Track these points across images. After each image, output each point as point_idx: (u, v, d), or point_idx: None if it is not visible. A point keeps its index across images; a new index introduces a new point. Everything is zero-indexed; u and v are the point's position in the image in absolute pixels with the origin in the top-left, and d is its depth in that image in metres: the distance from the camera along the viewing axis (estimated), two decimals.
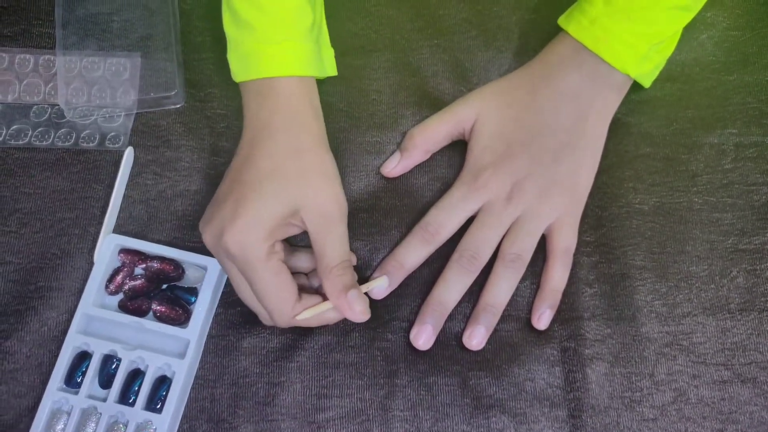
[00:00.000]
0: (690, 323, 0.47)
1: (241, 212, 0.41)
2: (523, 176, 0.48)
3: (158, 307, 0.47)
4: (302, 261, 0.47)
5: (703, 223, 0.50)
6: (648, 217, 0.50)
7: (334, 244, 0.43)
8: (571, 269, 0.48)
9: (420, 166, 0.52)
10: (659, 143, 0.52)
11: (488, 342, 0.47)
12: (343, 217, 0.44)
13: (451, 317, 0.48)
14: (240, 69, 0.46)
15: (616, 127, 0.52)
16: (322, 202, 0.43)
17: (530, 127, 0.49)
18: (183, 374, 0.45)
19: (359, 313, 0.43)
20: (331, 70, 0.52)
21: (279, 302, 0.42)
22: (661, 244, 0.49)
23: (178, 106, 0.53)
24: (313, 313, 0.43)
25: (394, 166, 0.51)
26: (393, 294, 0.48)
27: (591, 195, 0.50)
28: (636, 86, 0.51)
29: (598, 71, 0.48)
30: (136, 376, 0.45)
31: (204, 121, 0.52)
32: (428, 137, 0.51)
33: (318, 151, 0.44)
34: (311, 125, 0.45)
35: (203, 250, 0.48)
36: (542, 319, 0.47)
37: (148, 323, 0.46)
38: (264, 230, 0.41)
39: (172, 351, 0.46)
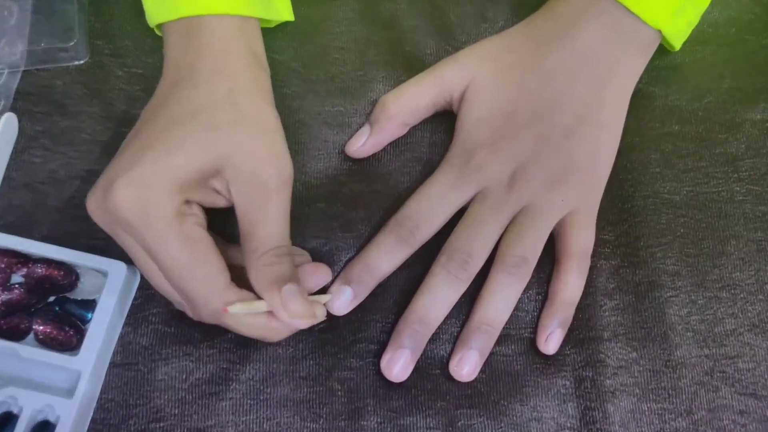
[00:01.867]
0: (735, 344, 0.38)
1: (138, 161, 0.30)
2: (528, 158, 0.38)
3: (41, 327, 0.35)
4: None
5: (747, 218, 0.40)
6: (680, 210, 0.40)
7: (267, 221, 0.32)
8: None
9: (395, 144, 0.41)
10: (690, 120, 0.42)
11: (482, 371, 0.37)
12: (284, 186, 0.33)
13: (434, 338, 0.37)
14: (157, 8, 0.36)
15: (636, 98, 0.42)
16: (254, 160, 0.32)
17: (537, 97, 0.39)
18: (71, 419, 0.33)
19: (297, 314, 0.31)
20: (285, 12, 0.41)
21: (199, 282, 0.31)
22: (696, 243, 0.40)
23: (80, 62, 0.41)
24: (247, 309, 0.31)
25: (362, 143, 0.40)
26: (359, 308, 0.37)
27: (609, 182, 0.40)
28: (660, 50, 0.42)
29: (622, 26, 0.38)
30: (5, 422, 0.33)
31: (114, 82, 0.41)
32: (406, 106, 0.40)
33: (255, 98, 0.34)
34: (249, 71, 0.35)
35: (106, 251, 0.36)
36: (551, 341, 0.37)
37: (26, 349, 0.34)
38: (170, 183, 0.30)
39: (58, 387, 0.35)
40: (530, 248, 0.37)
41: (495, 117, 0.39)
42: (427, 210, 0.38)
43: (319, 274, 0.36)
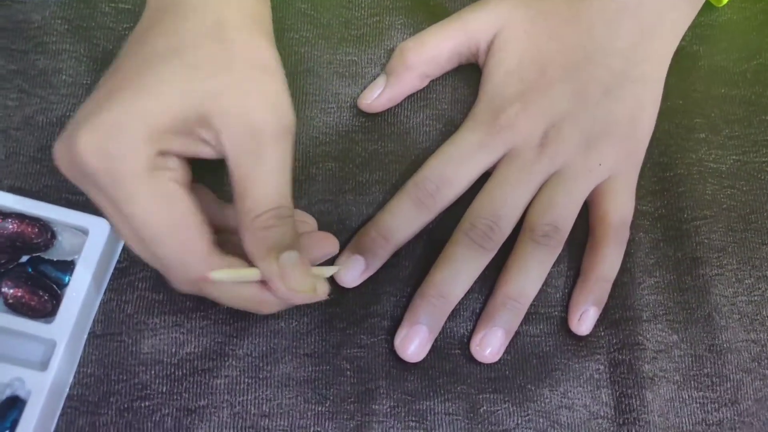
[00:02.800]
0: None
1: (107, 104, 0.26)
2: (563, 116, 0.34)
3: (11, 290, 0.31)
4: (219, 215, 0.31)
5: None
6: (726, 180, 0.37)
7: (263, 176, 0.27)
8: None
9: (413, 100, 0.37)
10: (738, 82, 0.39)
11: (507, 352, 0.33)
12: (283, 135, 0.27)
13: (454, 315, 0.33)
14: None
15: (679, 58, 0.38)
16: (247, 105, 0.27)
17: (574, 49, 0.35)
18: (44, 394, 0.29)
19: (295, 286, 0.27)
20: None
21: (174, 247, 0.26)
22: (743, 217, 0.36)
23: None
24: (234, 276, 0.27)
25: (377, 96, 0.36)
26: (371, 279, 0.33)
27: (650, 148, 0.37)
28: (706, 6, 0.38)
29: None
30: None
31: (99, 19, 0.36)
32: (426, 55, 0.36)
33: (248, 32, 0.29)
34: (245, 1, 0.29)
35: (88, 207, 0.32)
36: (585, 321, 0.33)
37: None
38: (141, 130, 0.25)
39: (29, 359, 0.31)
40: (562, 216, 0.33)
41: (526, 69, 0.35)
42: (449, 171, 0.34)
43: (325, 245, 0.31)
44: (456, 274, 0.33)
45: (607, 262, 0.34)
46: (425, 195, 0.33)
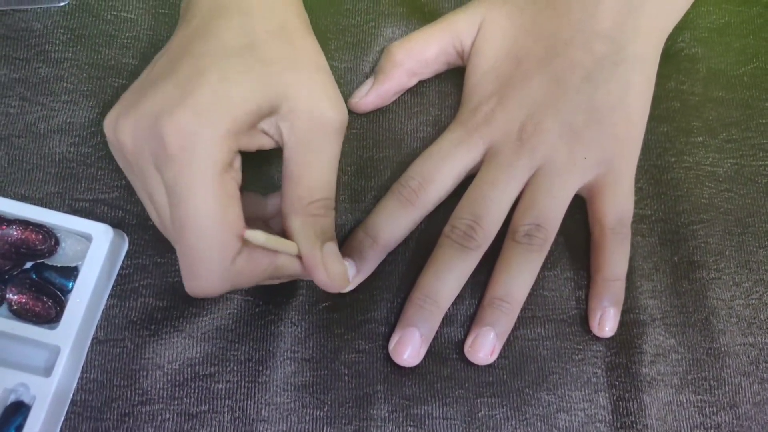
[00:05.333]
0: None
1: (194, 90, 0.26)
2: (540, 106, 0.33)
3: (16, 297, 0.31)
4: (262, 205, 0.32)
5: None
6: (723, 183, 0.37)
7: (320, 166, 0.29)
8: None
9: (408, 107, 0.37)
10: (735, 85, 0.39)
11: (504, 356, 0.33)
12: (342, 130, 0.29)
13: (450, 320, 0.34)
14: None
15: (677, 60, 0.38)
16: (314, 100, 0.28)
17: (549, 37, 0.34)
18: (48, 400, 0.29)
19: (337, 276, 0.29)
20: None
21: (213, 244, 0.26)
22: (741, 221, 0.36)
23: (63, 3, 0.37)
24: (268, 242, 0.27)
25: (365, 93, 0.36)
26: (369, 286, 0.34)
27: (647, 150, 0.36)
28: (704, 11, 0.38)
29: None
30: None
31: (102, 27, 0.36)
32: (413, 53, 0.36)
33: (307, 36, 0.31)
34: (296, 6, 0.31)
35: (92, 216, 0.33)
36: (605, 322, 0.33)
37: None
38: (228, 119, 0.26)
39: (33, 364, 0.31)
40: (545, 215, 0.33)
41: (502, 65, 0.35)
42: (431, 168, 0.34)
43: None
44: (441, 276, 0.32)
45: (610, 263, 0.33)
46: (409, 192, 0.33)
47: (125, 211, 0.34)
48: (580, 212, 0.35)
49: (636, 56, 0.34)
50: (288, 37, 0.29)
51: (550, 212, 0.33)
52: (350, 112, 0.36)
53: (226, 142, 0.26)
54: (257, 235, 0.26)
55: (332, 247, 0.29)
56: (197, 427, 0.31)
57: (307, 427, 0.31)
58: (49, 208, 0.32)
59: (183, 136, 0.25)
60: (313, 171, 0.28)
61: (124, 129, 0.27)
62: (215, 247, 0.26)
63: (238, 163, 0.27)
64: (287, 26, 0.30)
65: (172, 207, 0.26)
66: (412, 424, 0.32)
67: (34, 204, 0.32)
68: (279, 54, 0.28)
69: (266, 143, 0.29)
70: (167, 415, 0.31)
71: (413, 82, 0.37)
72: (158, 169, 0.26)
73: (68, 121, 0.35)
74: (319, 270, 0.28)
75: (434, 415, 0.32)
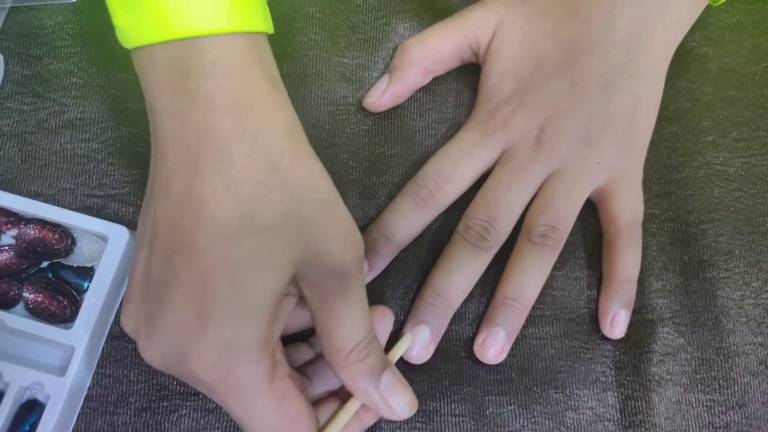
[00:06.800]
0: None
1: (210, 315, 0.24)
2: (558, 112, 0.34)
3: (32, 296, 0.31)
4: (296, 319, 0.30)
5: None
6: (733, 183, 0.36)
7: (349, 315, 0.27)
8: None
9: (419, 103, 0.37)
10: (746, 84, 0.38)
11: (512, 354, 0.33)
12: (361, 266, 0.27)
13: (460, 318, 0.34)
14: (135, 24, 0.26)
15: (688, 60, 0.38)
16: (325, 250, 0.26)
17: (570, 42, 0.34)
18: (62, 399, 0.30)
19: (402, 408, 0.28)
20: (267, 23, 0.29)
21: None
22: (751, 221, 0.36)
23: (73, 0, 0.36)
24: (340, 423, 0.28)
25: (381, 93, 0.36)
26: (379, 283, 0.34)
27: (657, 150, 0.36)
28: (715, 10, 0.38)
29: None
30: None
31: (111, 22, 0.36)
32: (428, 51, 0.36)
33: (301, 162, 0.26)
34: (282, 118, 0.27)
35: (104, 212, 0.33)
36: (616, 324, 0.33)
37: (14, 319, 0.31)
38: (258, 336, 0.24)
39: (48, 363, 0.31)
40: (560, 216, 0.33)
41: (522, 67, 0.35)
42: (448, 169, 0.34)
43: (384, 323, 0.31)
44: (452, 275, 0.33)
45: (625, 264, 0.33)
46: (425, 193, 0.34)
47: (136, 207, 0.34)
48: (589, 213, 0.35)
49: (648, 68, 0.34)
50: (281, 181, 0.25)
51: (566, 214, 0.33)
52: (360, 109, 0.36)
53: (264, 355, 0.25)
54: None
55: (387, 381, 0.28)
56: (213, 422, 0.32)
57: None
58: (62, 204, 0.33)
59: (217, 372, 0.24)
60: (343, 323, 0.26)
61: (151, 356, 0.25)
62: None
63: (279, 353, 0.26)
64: (277, 158, 0.25)
65: (237, 421, 0.26)
66: (420, 420, 0.32)
67: (48, 201, 0.33)
68: (279, 208, 0.25)
69: (291, 305, 0.28)
70: (184, 411, 0.32)
71: (428, 79, 0.37)
72: (204, 391, 0.26)
73: (79, 116, 0.35)
74: (384, 410, 0.28)
75: (443, 411, 0.33)
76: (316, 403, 0.29)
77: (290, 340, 0.31)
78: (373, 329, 0.28)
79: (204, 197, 0.24)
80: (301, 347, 0.31)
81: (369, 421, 0.29)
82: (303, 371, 0.30)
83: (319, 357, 0.31)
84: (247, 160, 0.25)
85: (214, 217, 0.24)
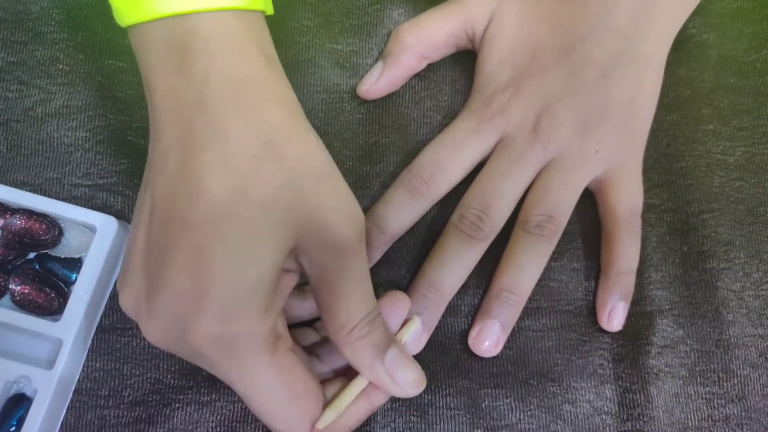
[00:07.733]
0: None
1: (208, 288, 0.24)
2: (556, 100, 0.33)
3: (18, 287, 0.31)
4: (301, 308, 0.30)
5: None
6: (734, 172, 0.36)
7: (351, 291, 0.26)
8: None
9: (415, 91, 0.36)
10: (747, 72, 0.38)
11: (508, 347, 0.33)
12: (363, 240, 0.27)
13: (454, 311, 0.33)
14: (130, 1, 0.25)
15: (688, 47, 0.37)
16: (325, 225, 0.25)
17: (568, 30, 0.34)
18: (50, 392, 0.29)
19: (408, 383, 0.27)
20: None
21: (291, 414, 0.26)
22: (751, 210, 0.35)
23: None
24: (339, 410, 0.27)
25: (376, 80, 0.35)
26: (373, 275, 0.32)
27: (656, 139, 0.36)
28: None
29: None
30: None
31: (98, 7, 0.36)
32: (423, 36, 0.35)
33: (298, 137, 0.26)
34: (277, 93, 0.26)
35: (92, 202, 0.32)
36: (614, 317, 0.33)
37: (1, 312, 0.30)
38: (258, 307, 0.24)
39: (36, 356, 0.31)
40: (557, 206, 0.32)
41: (519, 55, 0.34)
42: (443, 158, 0.33)
43: (400, 308, 0.30)
44: (446, 265, 0.32)
45: (624, 256, 0.33)
46: (420, 182, 0.33)
47: (124, 196, 0.33)
48: (587, 203, 0.34)
49: (647, 56, 0.34)
50: (278, 155, 0.25)
51: (563, 204, 0.33)
52: (353, 97, 0.36)
53: (265, 326, 0.24)
54: (328, 415, 0.26)
55: (393, 356, 0.27)
56: (207, 415, 0.31)
57: None
58: (49, 194, 0.32)
59: (218, 345, 0.24)
60: (346, 298, 0.26)
61: (153, 334, 0.25)
62: (293, 414, 0.26)
63: (281, 324, 0.26)
64: (274, 140, 0.25)
65: (239, 395, 0.26)
66: (415, 413, 0.32)
67: (34, 190, 0.32)
68: (276, 181, 0.25)
69: (293, 282, 0.27)
70: (177, 404, 0.31)
71: (423, 65, 0.36)
72: (206, 366, 0.26)
73: (66, 104, 0.34)
74: (390, 387, 0.27)
75: (438, 404, 0.32)
76: (323, 382, 0.28)
77: (296, 327, 0.31)
78: (377, 307, 0.27)
79: (199, 172, 0.24)
80: (306, 331, 0.31)
81: (378, 400, 0.28)
82: (309, 351, 0.30)
83: (325, 339, 0.30)
84: (242, 134, 0.25)
85: (209, 191, 0.24)
